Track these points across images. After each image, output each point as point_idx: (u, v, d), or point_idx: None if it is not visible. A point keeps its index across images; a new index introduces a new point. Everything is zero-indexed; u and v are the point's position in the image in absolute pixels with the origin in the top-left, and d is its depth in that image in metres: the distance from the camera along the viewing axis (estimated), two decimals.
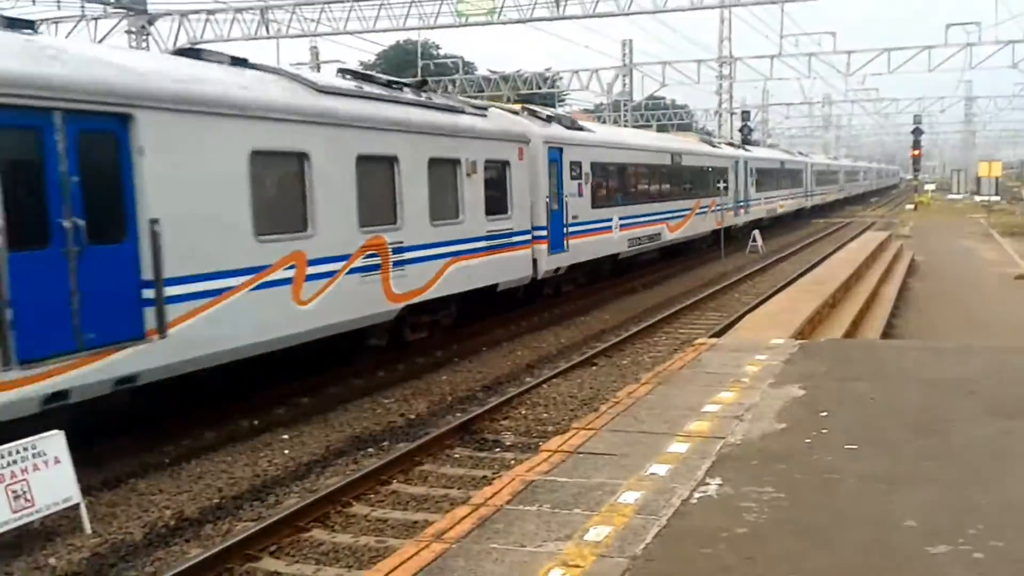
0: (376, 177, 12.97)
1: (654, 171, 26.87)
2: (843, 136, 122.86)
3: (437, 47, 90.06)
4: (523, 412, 11.68)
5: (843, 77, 55.23)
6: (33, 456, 7.42)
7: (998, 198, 68.39)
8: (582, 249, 20.42)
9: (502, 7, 35.44)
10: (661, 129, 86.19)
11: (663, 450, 6.74)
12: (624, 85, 57.31)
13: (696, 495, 5.80)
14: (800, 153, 61.41)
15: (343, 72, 14.58)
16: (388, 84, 14.63)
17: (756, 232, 35.71)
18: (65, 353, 8.36)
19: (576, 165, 20.28)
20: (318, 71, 59.40)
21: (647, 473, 6.26)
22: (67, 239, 8.43)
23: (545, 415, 11.52)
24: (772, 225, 44.50)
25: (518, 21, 35.94)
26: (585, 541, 5.17)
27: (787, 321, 13.03)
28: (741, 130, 63.84)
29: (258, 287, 10.53)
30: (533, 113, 20.14)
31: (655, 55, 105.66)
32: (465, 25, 36.45)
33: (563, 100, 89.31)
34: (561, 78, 60.65)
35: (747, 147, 47.50)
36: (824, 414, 7.56)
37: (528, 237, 17.64)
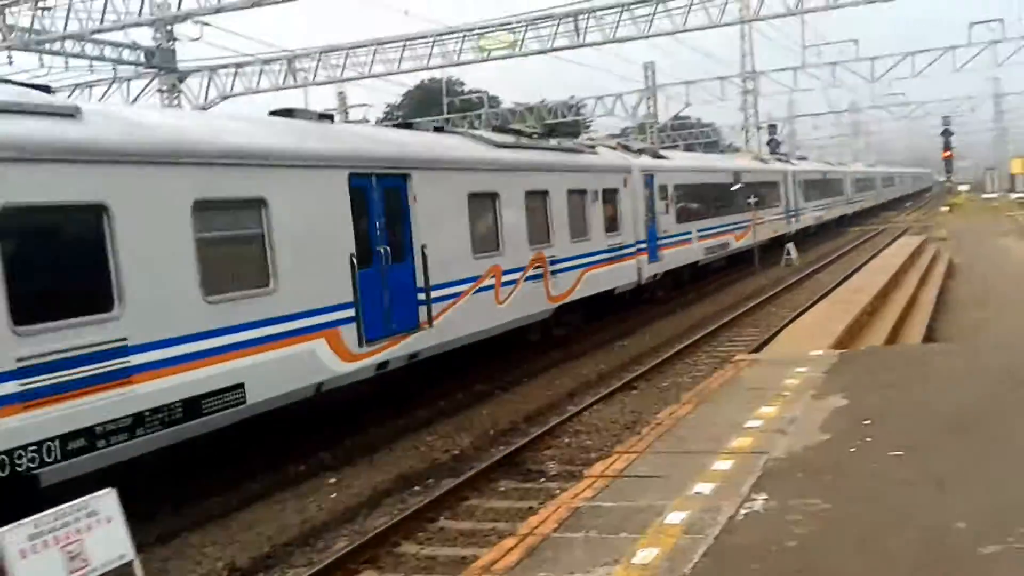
0: (536, 206, 17.07)
1: (720, 189, 30.75)
2: (872, 142, 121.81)
3: (461, 83, 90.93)
4: (566, 440, 11.68)
5: (868, 84, 54.94)
6: (87, 516, 7.50)
7: None
8: (671, 258, 24.37)
9: (523, 40, 35.69)
10: (688, 148, 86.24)
11: (707, 468, 6.73)
12: (648, 107, 57.36)
13: (742, 511, 5.79)
14: (839, 163, 63.75)
15: (496, 129, 18.79)
16: (531, 135, 18.96)
17: (790, 244, 35.62)
18: (384, 337, 12.25)
19: (663, 188, 24.29)
20: (346, 116, 60.30)
21: (692, 492, 6.25)
22: (382, 260, 12.37)
23: (588, 442, 11.51)
24: (813, 234, 45.09)
25: (539, 52, 36.09)
26: (633, 564, 5.17)
27: (826, 332, 12.96)
28: (769, 143, 63.59)
29: (477, 291, 14.67)
30: (627, 147, 25.02)
31: (678, 76, 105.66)
32: (488, 60, 36.71)
33: (588, 127, 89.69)
34: (585, 105, 60.89)
35: (792, 161, 50.36)
36: (867, 422, 7.51)
37: (634, 250, 21.38)
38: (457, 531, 8.70)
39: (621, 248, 20.55)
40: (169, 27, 34.99)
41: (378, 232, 12.36)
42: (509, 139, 17.33)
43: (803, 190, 44.68)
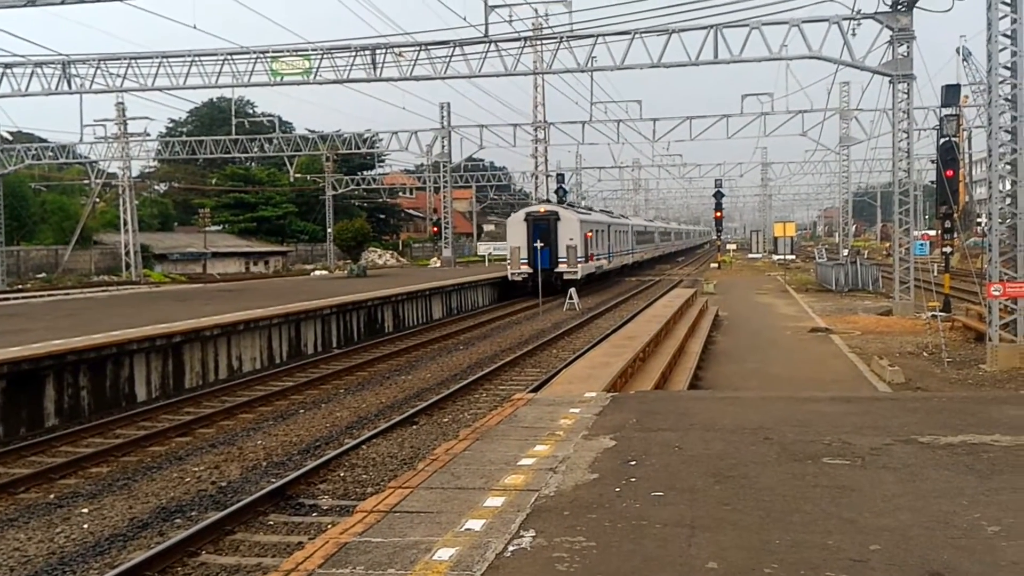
0: (626, 238, 62.12)
1: (645, 233, 75.49)
2: (652, 198, 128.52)
3: (253, 105, 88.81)
4: (341, 475, 11.48)
5: (650, 143, 58.16)
6: None
7: (793, 257, 73.01)
8: (633, 258, 65.21)
9: (318, 67, 35.37)
10: (480, 190, 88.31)
11: (479, 505, 6.77)
12: (443, 147, 58.05)
13: (510, 548, 5.84)
14: (622, 216, 74.36)
15: (602, 211, 71.11)
16: (608, 212, 71.10)
17: (573, 290, 36.87)
18: (608, 261, 53.71)
19: (635, 232, 66.74)
20: (124, 128, 57.33)
21: (462, 529, 6.26)
22: (616, 245, 57.55)
23: (364, 476, 11.36)
24: (587, 283, 48.97)
25: (334, 82, 35.89)
26: None
27: (600, 375, 13.39)
28: (557, 192, 65.78)
29: (618, 256, 58.34)
30: (623, 216, 75.47)
31: (473, 118, 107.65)
32: (280, 84, 36.09)
33: (383, 160, 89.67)
34: (381, 139, 60.87)
35: (661, 220, 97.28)
36: (633, 463, 7.80)
37: (629, 252, 63.55)
38: (219, 566, 8.32)
39: (628, 252, 60.23)
40: None
41: (620, 239, 58.12)
42: (618, 214, 72.72)
43: (661, 236, 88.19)
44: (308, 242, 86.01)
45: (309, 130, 65.48)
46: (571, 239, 43.68)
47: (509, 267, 43.09)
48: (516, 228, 44.70)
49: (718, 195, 72.39)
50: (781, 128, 52.33)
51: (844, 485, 6.92)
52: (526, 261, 42.41)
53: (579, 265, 43.75)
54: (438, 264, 63.28)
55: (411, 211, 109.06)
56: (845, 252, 60.71)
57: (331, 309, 25.48)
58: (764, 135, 52.41)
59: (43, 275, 57.23)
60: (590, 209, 61.64)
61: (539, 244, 38.59)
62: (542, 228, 43.05)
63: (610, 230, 55.11)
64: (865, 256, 59.02)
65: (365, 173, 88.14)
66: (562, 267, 43.31)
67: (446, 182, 59.95)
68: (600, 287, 49.28)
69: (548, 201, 56.91)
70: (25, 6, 30.67)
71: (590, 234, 46.27)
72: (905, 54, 30.17)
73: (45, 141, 60.93)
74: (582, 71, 36.00)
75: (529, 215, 44.78)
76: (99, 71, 35.99)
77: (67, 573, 8.28)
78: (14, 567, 8.38)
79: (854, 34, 30.67)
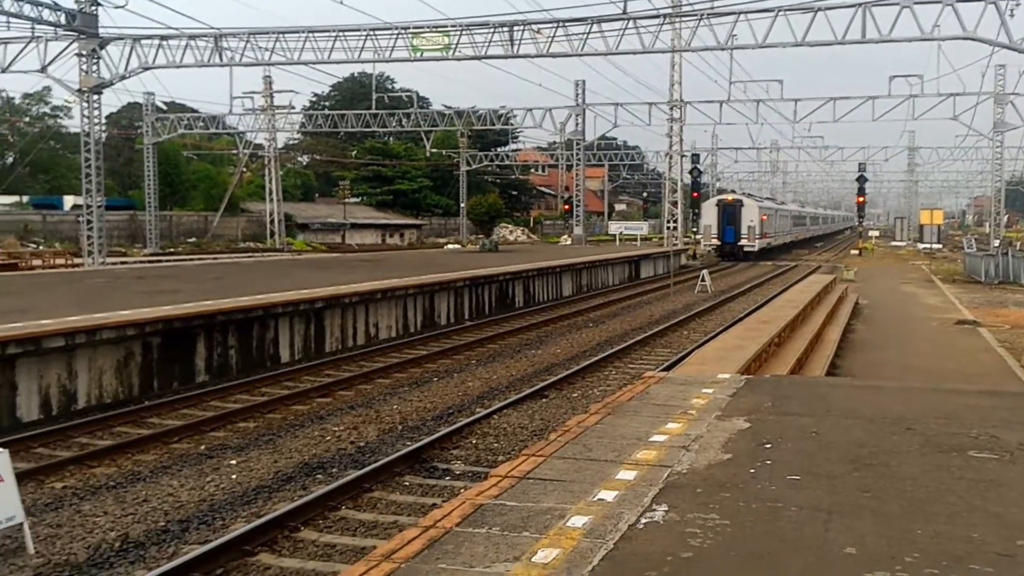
0: (787, 221, 75.50)
1: (800, 217, 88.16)
2: (790, 181, 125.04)
3: (392, 81, 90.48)
4: (473, 442, 11.72)
5: (790, 124, 56.61)
6: None
7: (940, 246, 70.04)
8: (797, 235, 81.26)
9: (457, 44, 35.75)
10: (612, 168, 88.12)
11: (611, 477, 6.82)
12: (577, 124, 57.88)
13: (643, 520, 5.89)
14: (783, 203, 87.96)
15: (768, 198, 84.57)
16: (773, 199, 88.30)
17: (705, 272, 36.44)
18: (777, 238, 70.23)
19: (793, 217, 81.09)
20: (271, 100, 59.24)
21: (595, 498, 6.33)
22: (779, 226, 72.06)
23: (496, 445, 11.57)
24: (724, 265, 52.09)
25: (472, 58, 36.21)
26: (533, 563, 5.22)
27: (734, 357, 13.23)
28: (691, 172, 64.76)
29: (782, 235, 71.47)
30: (783, 203, 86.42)
31: (608, 96, 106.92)
32: (420, 60, 36.66)
33: (516, 137, 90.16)
34: (515, 115, 61.07)
35: (815, 206, 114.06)
36: (768, 446, 7.71)
37: (791, 232, 78.32)
38: (358, 521, 8.65)
39: (787, 233, 72.95)
40: None
41: (783, 223, 70.52)
42: (781, 203, 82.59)
43: (811, 220, 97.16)
44: (442, 216, 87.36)
45: (445, 106, 66.31)
46: (751, 220, 59.14)
47: (703, 240, 60.76)
48: (709, 211, 60.90)
49: (861, 179, 69.80)
50: (930, 112, 49.97)
51: (991, 479, 6.70)
52: (716, 236, 59.52)
53: (756, 240, 59.10)
54: (568, 242, 63.33)
55: (543, 188, 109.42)
56: (996, 242, 57.87)
57: (464, 282, 25.88)
58: (912, 118, 50.28)
59: (193, 239, 59.98)
60: (763, 198, 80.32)
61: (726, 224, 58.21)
62: (729, 212, 59.38)
63: (776, 215, 69.50)
64: (1017, 247, 56.13)
65: (499, 149, 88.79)
66: (743, 241, 58.98)
67: (579, 160, 59.82)
68: (739, 269, 48.46)
69: (734, 192, 73.98)
70: None
71: (764, 217, 61.50)
72: None
73: (196, 112, 63.59)
74: (722, 49, 35.30)
75: (720, 202, 61.70)
76: (248, 45, 37.26)
77: (216, 519, 8.76)
78: (168, 511, 8.91)
79: (1012, 14, 29.14)
